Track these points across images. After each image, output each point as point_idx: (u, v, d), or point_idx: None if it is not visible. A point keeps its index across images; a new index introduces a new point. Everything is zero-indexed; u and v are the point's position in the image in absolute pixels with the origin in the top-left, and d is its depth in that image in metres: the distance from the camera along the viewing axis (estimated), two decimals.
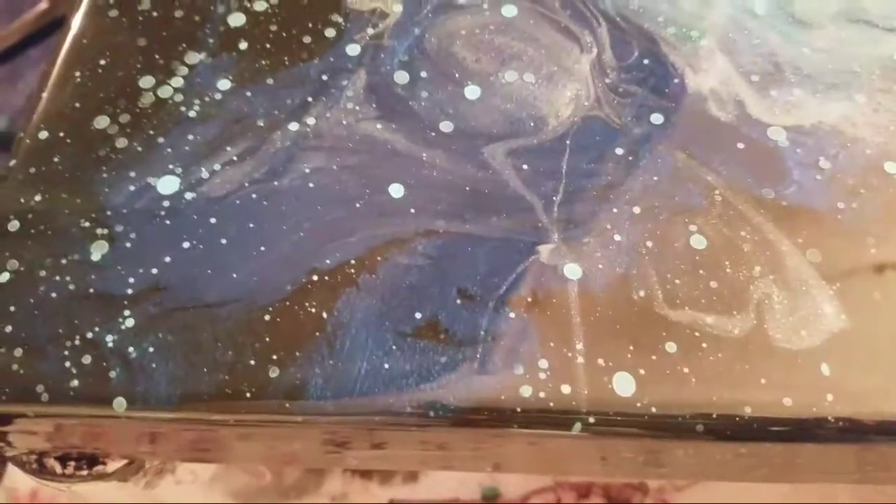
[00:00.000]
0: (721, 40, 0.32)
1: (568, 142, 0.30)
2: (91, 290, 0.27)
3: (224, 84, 0.32)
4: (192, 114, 0.31)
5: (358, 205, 0.29)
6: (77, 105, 0.32)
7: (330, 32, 0.33)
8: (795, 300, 0.26)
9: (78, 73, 0.32)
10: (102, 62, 0.33)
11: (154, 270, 0.27)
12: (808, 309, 0.26)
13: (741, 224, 0.28)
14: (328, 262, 0.27)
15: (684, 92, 0.31)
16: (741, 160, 0.29)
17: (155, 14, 0.34)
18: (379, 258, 0.28)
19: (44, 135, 0.31)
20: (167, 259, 0.28)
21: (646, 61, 0.32)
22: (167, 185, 0.29)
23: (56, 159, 0.30)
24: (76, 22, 0.34)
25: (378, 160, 0.30)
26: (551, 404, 0.25)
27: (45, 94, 0.32)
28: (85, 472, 0.30)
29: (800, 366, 0.25)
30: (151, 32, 0.34)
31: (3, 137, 1.03)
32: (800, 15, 0.33)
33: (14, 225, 0.29)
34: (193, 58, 0.33)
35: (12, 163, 0.30)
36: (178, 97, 0.32)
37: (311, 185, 0.29)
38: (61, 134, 0.31)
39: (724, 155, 0.29)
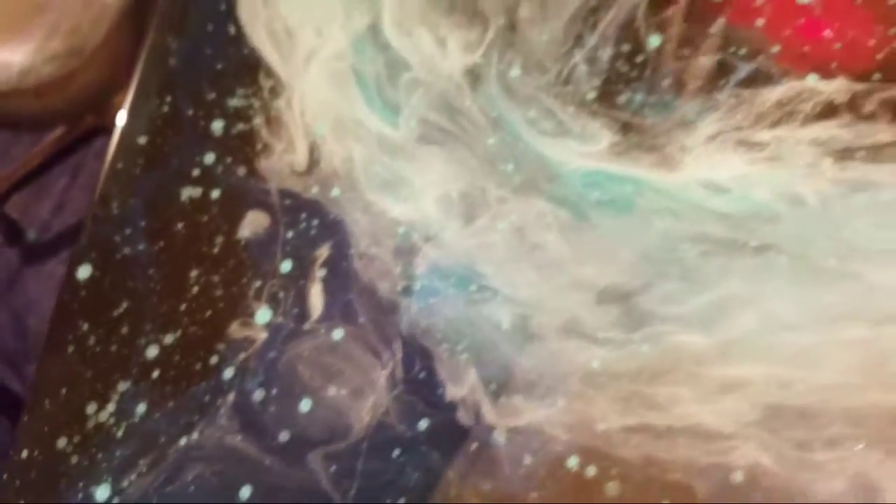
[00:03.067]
0: (475, 354, 0.47)
1: (364, 446, 0.45)
2: None
3: (141, 408, 0.47)
4: (119, 434, 0.47)
5: None
6: (46, 429, 0.47)
7: (214, 359, 0.49)
8: None
9: (47, 402, 0.48)
10: (63, 392, 0.49)
11: None
12: None
13: None
14: None
15: (444, 401, 0.45)
16: (474, 458, 0.43)
17: (98, 349, 0.50)
18: None
19: (24, 454, 0.47)
20: None
21: (422, 374, 0.46)
22: (102, 492, 0.45)
23: (33, 475, 0.46)
24: (44, 359, 0.50)
25: (236, 467, 0.45)
26: None
27: (25, 418, 0.48)
28: None
29: None
30: (95, 364, 0.49)
31: (33, 247, 1.21)
32: (533, 329, 0.47)
33: None
34: (123, 386, 0.48)
35: (5, 476, 0.46)
36: (112, 420, 0.47)
37: (191, 489, 0.44)
38: (35, 453, 0.47)
39: (463, 455, 0.44)
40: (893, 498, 0.39)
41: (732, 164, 0.51)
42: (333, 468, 0.44)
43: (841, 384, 0.42)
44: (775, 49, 0.54)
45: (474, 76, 0.56)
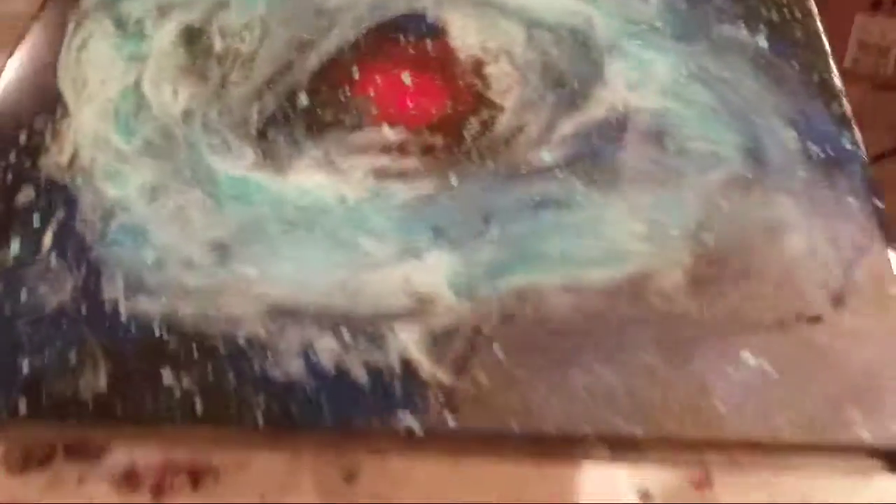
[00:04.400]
0: (124, 274, 0.78)
1: (46, 319, 0.76)
2: None
3: None
4: None
5: None
6: None
7: None
8: None
9: None
10: None
11: None
12: None
13: None
14: None
15: (99, 296, 0.76)
16: (106, 330, 0.74)
17: None
18: None
19: None
20: None
21: (92, 285, 0.78)
22: None
23: None
24: None
25: None
26: None
27: None
28: None
29: None
30: None
31: None
32: (159, 262, 0.79)
33: None
34: None
35: None
36: None
37: None
38: None
39: (98, 324, 0.74)
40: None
41: (317, 177, 0.84)
42: (28, 329, 0.75)
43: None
44: (375, 111, 0.88)
45: (188, 115, 0.90)
